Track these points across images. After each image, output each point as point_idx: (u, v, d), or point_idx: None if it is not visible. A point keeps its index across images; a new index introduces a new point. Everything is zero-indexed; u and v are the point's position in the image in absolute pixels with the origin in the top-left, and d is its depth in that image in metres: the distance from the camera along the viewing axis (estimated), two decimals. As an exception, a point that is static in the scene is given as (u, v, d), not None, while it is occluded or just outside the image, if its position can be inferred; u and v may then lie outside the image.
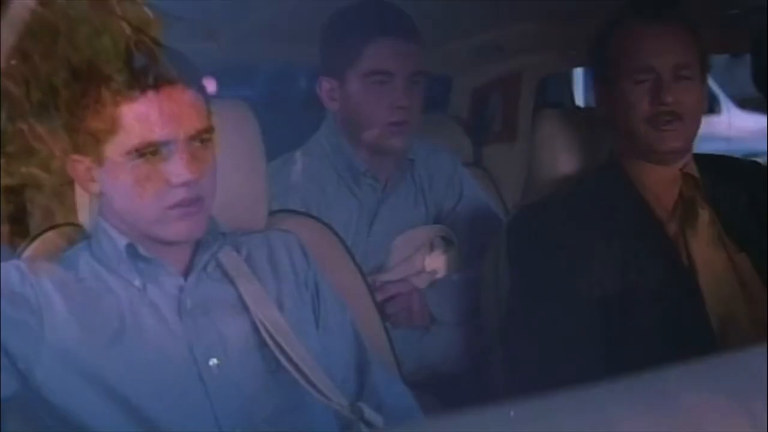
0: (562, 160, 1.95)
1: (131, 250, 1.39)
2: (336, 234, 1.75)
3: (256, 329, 1.42)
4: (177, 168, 1.33)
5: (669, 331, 1.66)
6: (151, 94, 1.31)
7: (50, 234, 1.51)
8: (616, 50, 1.76)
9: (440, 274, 2.09)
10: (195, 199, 1.35)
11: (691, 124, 1.74)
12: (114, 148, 1.32)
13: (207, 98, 1.39)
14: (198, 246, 1.44)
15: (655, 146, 1.73)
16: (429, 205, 2.16)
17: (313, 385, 1.39)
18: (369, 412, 1.41)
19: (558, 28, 2.48)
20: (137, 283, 1.40)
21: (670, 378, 0.64)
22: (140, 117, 1.31)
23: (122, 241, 1.39)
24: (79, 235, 1.51)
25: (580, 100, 3.49)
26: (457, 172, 2.24)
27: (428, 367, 2.04)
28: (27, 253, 1.49)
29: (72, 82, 1.29)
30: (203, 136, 1.36)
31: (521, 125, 2.82)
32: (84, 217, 1.52)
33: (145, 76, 1.31)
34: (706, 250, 1.73)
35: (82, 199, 1.50)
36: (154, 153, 1.32)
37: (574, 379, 0.65)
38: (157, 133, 1.32)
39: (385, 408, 1.49)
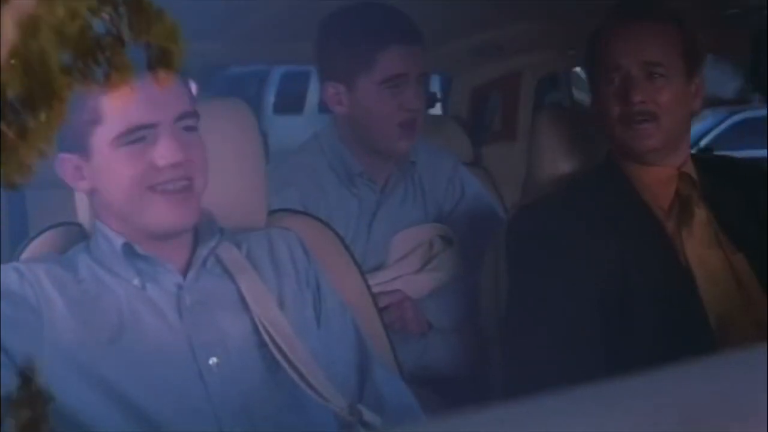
0: (561, 159, 1.95)
1: (128, 249, 1.39)
2: (336, 234, 1.75)
3: (256, 328, 1.41)
4: (162, 150, 1.33)
5: (667, 330, 1.66)
6: (134, 77, 1.32)
7: (49, 234, 1.51)
8: (597, 51, 1.77)
9: (439, 274, 2.08)
10: (183, 182, 1.35)
11: (669, 124, 1.72)
12: (100, 138, 1.34)
13: (188, 84, 1.41)
14: (197, 243, 1.44)
15: (630, 145, 1.73)
16: (429, 207, 2.16)
17: (312, 387, 1.39)
18: (368, 414, 1.41)
19: (558, 28, 2.48)
20: (136, 282, 1.39)
21: (669, 378, 0.64)
22: (124, 102, 1.32)
23: (119, 241, 1.39)
24: (78, 234, 1.51)
25: (579, 100, 3.50)
26: (458, 173, 2.24)
27: (428, 368, 2.04)
28: (26, 253, 1.49)
29: (53, 75, 1.30)
30: (188, 122, 1.37)
31: (521, 125, 2.83)
32: (83, 216, 1.52)
33: (120, 62, 1.32)
34: (702, 250, 1.73)
35: (81, 198, 1.50)
36: (140, 139, 1.33)
37: (573, 379, 0.65)
38: (141, 117, 1.33)
39: (386, 406, 1.48)
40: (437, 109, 3.09)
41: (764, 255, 1.72)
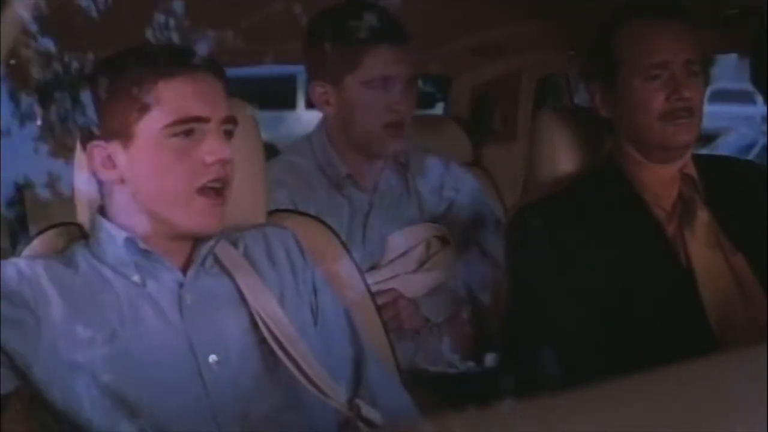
0: (561, 159, 1.95)
1: (130, 244, 1.39)
2: (335, 234, 1.75)
3: (255, 325, 1.41)
4: (212, 146, 1.34)
5: (667, 330, 1.66)
6: (189, 72, 1.34)
7: (49, 233, 1.51)
8: (624, 49, 1.75)
9: (435, 274, 2.08)
10: (223, 185, 1.36)
11: (699, 121, 1.75)
12: (147, 126, 1.33)
13: (228, 94, 1.42)
14: (196, 241, 1.44)
15: (668, 141, 1.73)
16: (424, 206, 2.16)
17: (311, 382, 1.39)
18: (367, 410, 1.41)
19: (558, 28, 2.48)
20: (136, 278, 1.39)
21: (670, 378, 0.64)
22: (179, 93, 1.33)
23: (121, 235, 1.39)
24: (78, 234, 1.51)
25: (579, 100, 3.49)
26: (451, 172, 2.23)
27: (427, 367, 2.04)
28: (26, 251, 1.49)
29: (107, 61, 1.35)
30: (229, 126, 1.39)
31: (521, 125, 2.82)
32: (84, 216, 1.52)
33: (185, 55, 1.34)
34: (704, 251, 1.73)
35: (81, 197, 1.50)
36: (189, 132, 1.34)
37: (574, 379, 0.65)
38: (196, 109, 1.34)
39: (379, 406, 1.48)
40: (438, 109, 3.09)
41: (764, 255, 1.72)
